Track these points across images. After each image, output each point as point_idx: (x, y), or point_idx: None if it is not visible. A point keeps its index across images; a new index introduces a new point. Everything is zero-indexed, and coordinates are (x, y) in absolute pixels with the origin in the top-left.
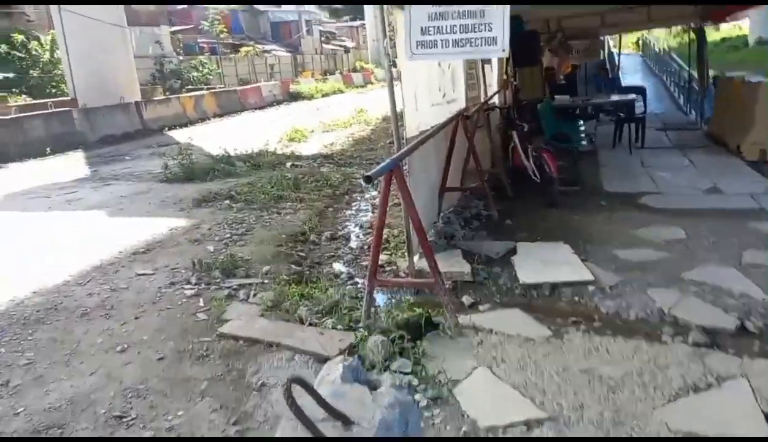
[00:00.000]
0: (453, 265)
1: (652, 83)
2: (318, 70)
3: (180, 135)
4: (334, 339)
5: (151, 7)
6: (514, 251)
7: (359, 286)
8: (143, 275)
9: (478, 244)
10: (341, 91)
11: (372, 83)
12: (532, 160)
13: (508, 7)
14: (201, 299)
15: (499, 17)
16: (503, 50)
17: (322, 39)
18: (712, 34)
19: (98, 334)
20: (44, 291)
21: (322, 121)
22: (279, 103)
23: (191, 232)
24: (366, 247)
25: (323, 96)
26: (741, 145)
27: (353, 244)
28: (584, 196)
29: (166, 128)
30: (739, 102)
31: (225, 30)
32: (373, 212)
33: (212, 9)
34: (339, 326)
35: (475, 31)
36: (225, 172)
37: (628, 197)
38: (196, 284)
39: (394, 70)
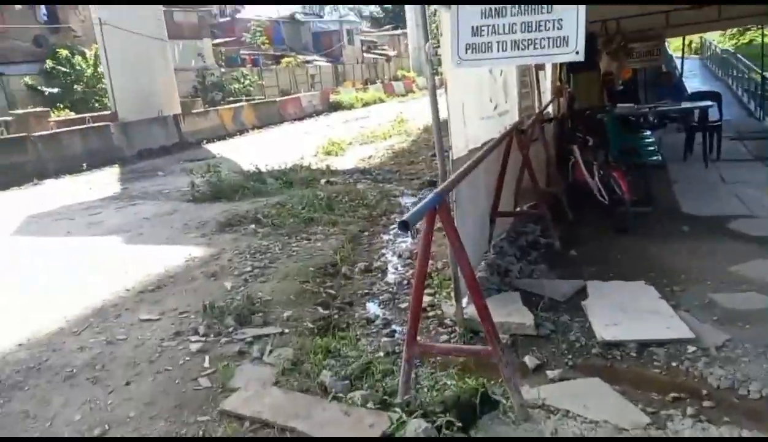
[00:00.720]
0: (511, 313)
1: (716, 88)
2: (359, 80)
3: (216, 148)
4: (362, 423)
5: (194, 21)
6: (584, 292)
7: (397, 337)
8: (147, 320)
9: (539, 282)
10: (382, 101)
11: (413, 92)
12: (598, 179)
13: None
14: (207, 357)
15: (572, 13)
16: (577, 52)
17: (363, 48)
18: None
19: (78, 407)
20: (33, 343)
21: (360, 132)
22: (318, 113)
23: (209, 264)
24: (405, 282)
25: (363, 105)
26: None
27: (390, 277)
28: (660, 219)
29: (204, 141)
30: None
31: (267, 42)
32: (413, 238)
33: (255, 21)
34: (370, 403)
35: (540, 30)
36: (255, 190)
37: (714, 222)
38: (204, 335)
39: (437, 78)
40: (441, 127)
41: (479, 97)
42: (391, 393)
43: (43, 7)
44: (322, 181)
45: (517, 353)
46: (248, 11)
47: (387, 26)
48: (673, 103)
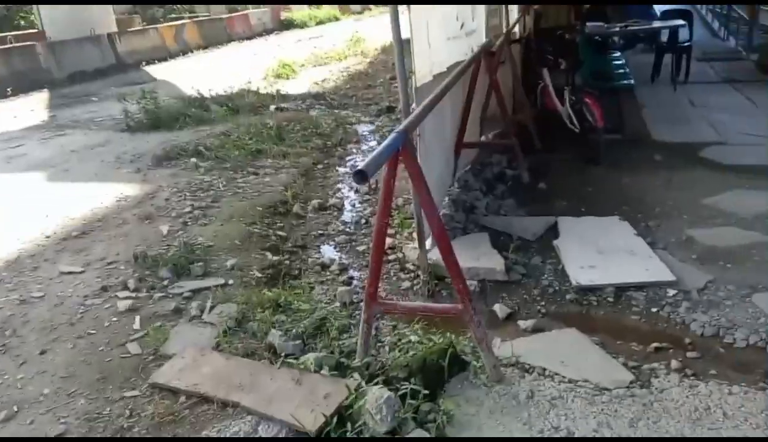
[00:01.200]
0: (479, 258)
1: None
2: None
3: (157, 71)
4: (317, 393)
5: None
6: (555, 230)
7: (354, 285)
8: (68, 273)
9: (508, 220)
10: (337, 19)
11: (370, 9)
12: (569, 105)
13: None
14: (137, 317)
15: None
16: None
17: None
18: None
19: None
20: None
21: (314, 53)
22: (269, 32)
23: (144, 203)
24: (364, 221)
25: (318, 24)
26: None
27: (347, 216)
28: (631, 147)
29: (143, 63)
30: None
31: None
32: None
33: None
34: (324, 368)
35: None
36: (197, 118)
37: (686, 149)
38: (134, 290)
39: None
40: (403, 49)
41: (444, 15)
42: (349, 354)
43: None
44: (272, 107)
45: (486, 301)
46: None
47: None
48: (644, 22)
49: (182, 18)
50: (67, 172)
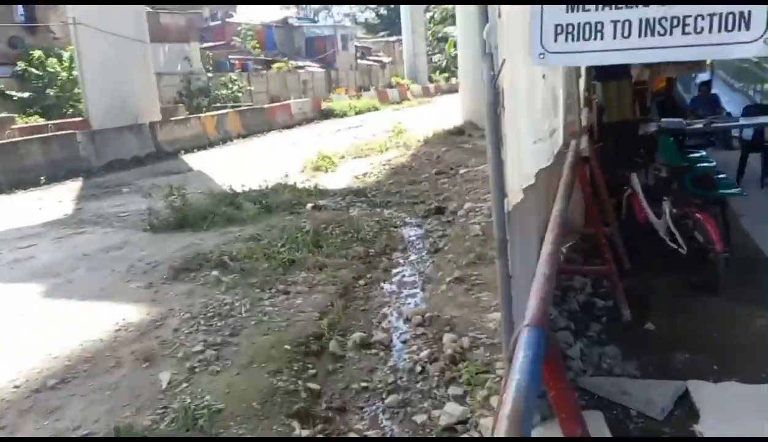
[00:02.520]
0: None
1: (737, 100)
2: (353, 86)
3: (195, 160)
4: None
5: (182, 23)
6: (687, 401)
7: None
8: None
9: (620, 384)
10: (376, 108)
11: (408, 100)
12: (671, 219)
13: None
14: None
15: None
16: (765, 40)
17: (358, 54)
18: None
19: None
20: None
21: (354, 143)
22: (309, 121)
23: (147, 335)
24: (420, 368)
25: (357, 113)
26: None
27: (397, 358)
28: (745, 272)
29: (182, 152)
30: None
31: (258, 46)
32: (423, 290)
33: (245, 25)
34: None
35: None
36: (227, 217)
37: None
38: None
39: (434, 84)
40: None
41: (532, 112)
42: None
43: (20, 6)
44: (309, 205)
45: None
46: (240, 15)
47: (382, 33)
48: (729, 117)
49: (226, 107)
50: (70, 284)
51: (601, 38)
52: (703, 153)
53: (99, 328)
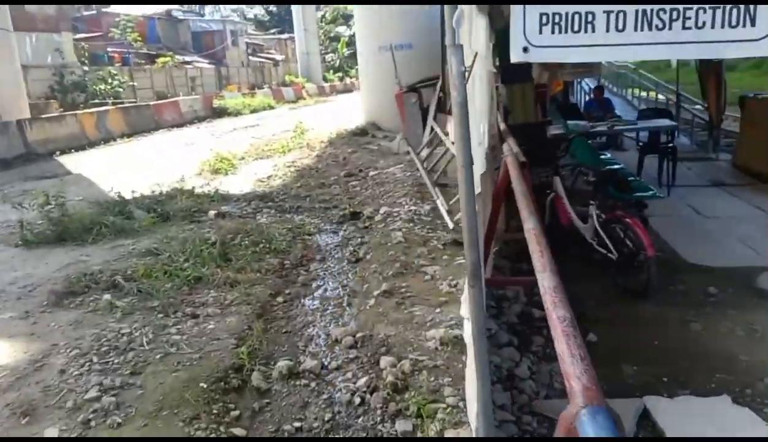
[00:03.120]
0: None
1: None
2: (245, 84)
3: (73, 162)
4: None
5: (50, 11)
6: (647, 419)
7: None
8: None
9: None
10: (272, 107)
11: (304, 98)
12: (598, 224)
13: None
14: None
15: None
16: None
17: (249, 51)
18: None
19: None
20: None
21: (253, 144)
22: (201, 120)
23: (26, 380)
24: (359, 400)
25: (252, 112)
26: None
27: (330, 387)
28: (670, 274)
29: (57, 152)
30: None
31: (139, 39)
32: (349, 305)
33: (124, 15)
34: None
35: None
36: (116, 228)
37: (735, 277)
38: None
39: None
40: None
41: (476, 113)
42: None
43: None
44: (211, 213)
45: None
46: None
47: (273, 30)
48: (629, 121)
49: (106, 104)
50: None
51: (593, 31)
52: (609, 155)
53: None
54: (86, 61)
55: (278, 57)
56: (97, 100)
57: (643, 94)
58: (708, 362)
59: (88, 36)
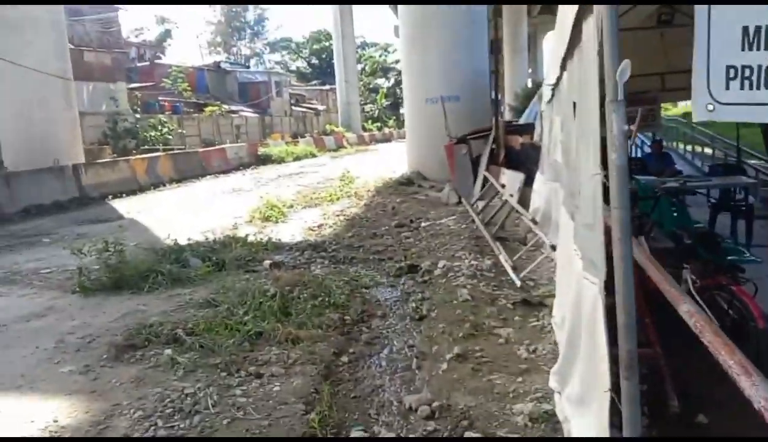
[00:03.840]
0: None
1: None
2: (287, 132)
3: (125, 206)
4: None
5: (106, 62)
6: None
7: None
8: None
9: None
10: (314, 155)
11: (345, 147)
12: (693, 290)
13: None
14: None
15: None
16: None
17: (292, 101)
18: None
19: None
20: None
21: (300, 191)
22: (246, 166)
23: None
24: None
25: (295, 159)
26: None
27: None
28: None
29: (110, 197)
30: None
31: (189, 89)
32: (419, 369)
33: (175, 67)
34: None
35: None
36: (172, 276)
37: None
38: None
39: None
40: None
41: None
42: None
43: None
44: (266, 262)
45: None
46: (169, 57)
47: (314, 82)
48: (702, 177)
49: (156, 150)
50: None
51: None
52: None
53: (20, 434)
54: (138, 109)
55: (320, 107)
56: (147, 147)
57: (697, 148)
58: None
59: (141, 85)
